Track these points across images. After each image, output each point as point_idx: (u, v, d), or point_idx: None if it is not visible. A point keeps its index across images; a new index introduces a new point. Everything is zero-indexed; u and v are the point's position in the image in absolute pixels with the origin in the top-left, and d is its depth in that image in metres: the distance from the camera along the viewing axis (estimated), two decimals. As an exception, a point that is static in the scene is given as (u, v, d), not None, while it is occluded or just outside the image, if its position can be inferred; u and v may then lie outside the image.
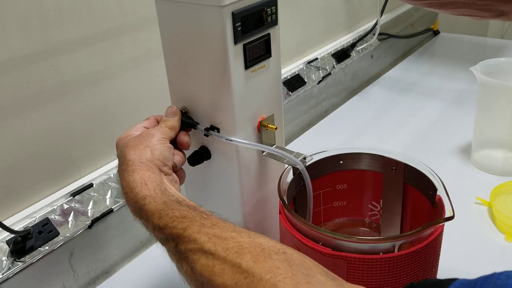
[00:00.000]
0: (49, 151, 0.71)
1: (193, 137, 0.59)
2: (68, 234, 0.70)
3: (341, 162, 0.64)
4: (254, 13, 0.52)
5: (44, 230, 0.68)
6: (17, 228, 0.66)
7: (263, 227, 0.64)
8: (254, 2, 0.52)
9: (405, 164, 0.61)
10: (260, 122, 0.58)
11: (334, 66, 1.22)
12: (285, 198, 0.55)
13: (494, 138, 0.92)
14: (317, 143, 1.08)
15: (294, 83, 1.11)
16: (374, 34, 1.23)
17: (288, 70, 1.11)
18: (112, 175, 0.78)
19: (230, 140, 0.55)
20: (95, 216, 0.74)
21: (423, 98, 1.25)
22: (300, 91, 1.12)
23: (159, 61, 0.84)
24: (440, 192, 0.55)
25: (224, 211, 0.60)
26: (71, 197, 0.73)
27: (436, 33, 1.64)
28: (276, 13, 0.55)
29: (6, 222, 0.64)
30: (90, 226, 0.73)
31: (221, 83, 0.53)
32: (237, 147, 0.56)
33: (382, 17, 1.20)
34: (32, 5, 0.64)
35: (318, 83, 1.17)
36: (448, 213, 0.51)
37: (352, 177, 0.66)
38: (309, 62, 1.17)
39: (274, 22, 0.55)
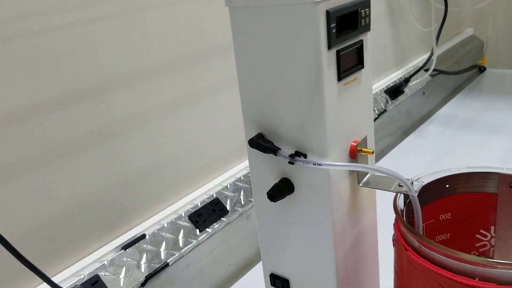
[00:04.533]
0: (98, 198, 0.62)
1: (272, 168, 0.50)
2: (120, 294, 0.60)
3: (447, 186, 0.54)
4: (349, 14, 0.44)
5: (94, 289, 0.58)
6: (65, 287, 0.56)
7: (358, 270, 0.53)
8: (348, 1, 0.44)
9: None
10: (356, 145, 0.49)
11: (388, 102, 1.14)
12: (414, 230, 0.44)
13: None
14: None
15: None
16: (427, 70, 1.16)
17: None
18: (165, 225, 0.69)
19: (320, 165, 0.45)
20: (149, 272, 0.64)
21: (485, 133, 1.15)
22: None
23: (212, 100, 0.77)
24: None
25: (311, 255, 0.50)
26: (122, 250, 0.63)
27: (482, 69, 1.57)
28: (369, 16, 0.47)
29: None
30: (143, 283, 0.63)
31: (310, 97, 0.45)
32: (330, 176, 0.46)
33: (428, 54, 1.13)
34: (85, 42, 0.58)
35: (374, 121, 1.08)
36: None
37: (457, 203, 0.55)
38: (362, 99, 1.09)
39: (367, 27, 0.48)
